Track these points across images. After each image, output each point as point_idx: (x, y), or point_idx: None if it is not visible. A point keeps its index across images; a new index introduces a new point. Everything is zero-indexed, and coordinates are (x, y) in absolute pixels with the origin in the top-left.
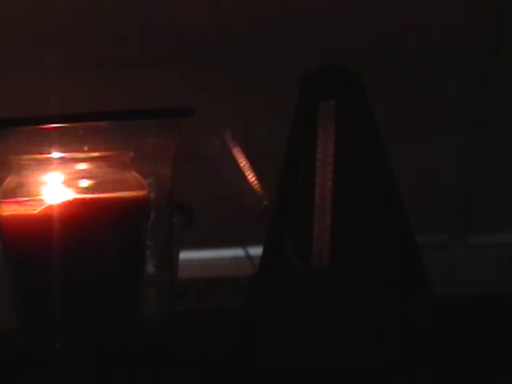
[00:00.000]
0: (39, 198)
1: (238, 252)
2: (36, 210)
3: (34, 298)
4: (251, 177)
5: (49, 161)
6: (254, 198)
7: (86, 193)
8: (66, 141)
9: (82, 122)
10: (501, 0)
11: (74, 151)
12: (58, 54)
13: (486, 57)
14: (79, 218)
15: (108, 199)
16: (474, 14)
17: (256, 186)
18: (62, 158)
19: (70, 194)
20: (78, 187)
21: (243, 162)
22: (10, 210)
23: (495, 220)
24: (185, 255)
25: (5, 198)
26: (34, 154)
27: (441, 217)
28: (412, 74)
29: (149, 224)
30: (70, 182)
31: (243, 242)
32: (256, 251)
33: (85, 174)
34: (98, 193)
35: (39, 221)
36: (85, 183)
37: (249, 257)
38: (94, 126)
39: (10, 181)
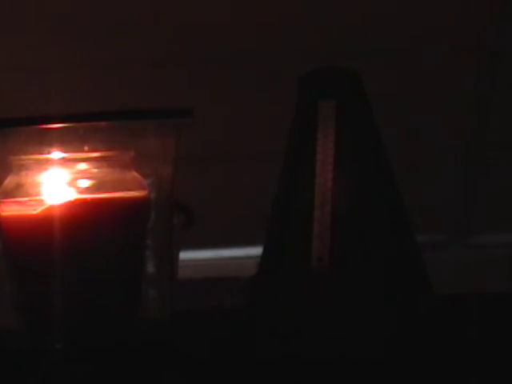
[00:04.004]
0: (39, 198)
1: (238, 252)
2: (36, 210)
3: (35, 298)
4: None
5: (49, 161)
6: None
7: (86, 193)
8: (66, 141)
9: (83, 121)
10: (500, 0)
11: (75, 151)
12: (58, 53)
13: (486, 57)
14: (79, 218)
15: (108, 199)
16: (473, 14)
17: None
18: (62, 158)
19: (70, 194)
20: (78, 187)
21: None
22: (10, 210)
23: (495, 220)
24: (185, 255)
25: (5, 198)
26: (34, 154)
27: (441, 217)
28: (412, 74)
29: (149, 224)
30: (71, 182)
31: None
32: (256, 251)
33: (85, 174)
34: (99, 193)
35: (39, 221)
36: (85, 183)
37: None
38: (95, 125)
39: (10, 181)
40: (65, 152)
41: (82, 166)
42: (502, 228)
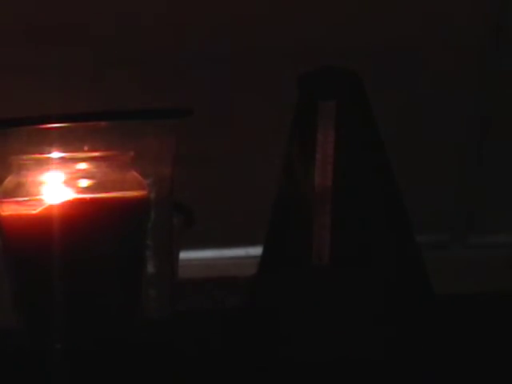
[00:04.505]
0: (39, 197)
1: (238, 252)
2: (36, 210)
3: (34, 297)
4: None
5: (49, 161)
6: None
7: (85, 193)
8: (66, 141)
9: (82, 121)
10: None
11: (74, 151)
12: (58, 53)
13: (486, 57)
14: (79, 218)
15: (108, 199)
16: (473, 14)
17: None
18: (62, 157)
19: (69, 194)
20: (77, 187)
21: None
22: (10, 209)
23: (495, 220)
24: (185, 255)
25: (5, 197)
26: (34, 153)
27: (441, 217)
28: (412, 74)
29: (149, 224)
30: (70, 182)
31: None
32: (256, 251)
33: (85, 174)
34: (98, 193)
35: (39, 221)
36: (85, 183)
37: None
38: (94, 126)
39: (10, 181)
40: (65, 152)
41: (82, 165)
42: (502, 228)
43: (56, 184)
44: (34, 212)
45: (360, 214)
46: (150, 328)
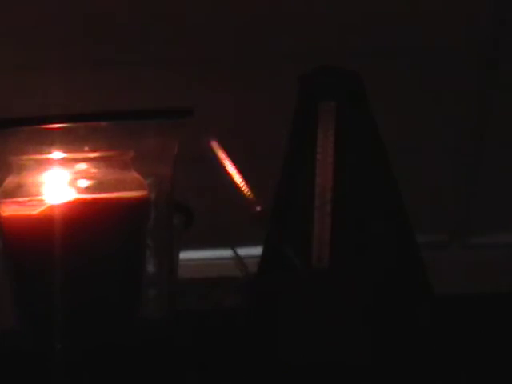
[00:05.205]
0: (39, 198)
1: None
2: (36, 211)
3: (34, 298)
4: (239, 182)
5: (49, 161)
6: (246, 202)
7: (86, 193)
8: (66, 141)
9: (83, 122)
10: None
11: (75, 151)
12: (58, 53)
13: (486, 57)
14: (79, 219)
15: (108, 199)
16: (474, 14)
17: (245, 192)
18: (62, 158)
19: (70, 195)
20: (78, 187)
21: (229, 167)
22: (10, 210)
23: (495, 220)
24: (185, 255)
25: (5, 198)
26: (34, 154)
27: (440, 217)
28: (412, 74)
29: (149, 224)
30: (70, 182)
31: (233, 244)
32: (256, 251)
33: (85, 174)
34: (98, 193)
35: (39, 221)
36: (85, 183)
37: (239, 258)
38: (95, 125)
39: (10, 181)
40: (65, 152)
41: (82, 166)
42: (502, 228)
43: (56, 184)
44: (34, 213)
45: (360, 214)
46: (150, 328)
